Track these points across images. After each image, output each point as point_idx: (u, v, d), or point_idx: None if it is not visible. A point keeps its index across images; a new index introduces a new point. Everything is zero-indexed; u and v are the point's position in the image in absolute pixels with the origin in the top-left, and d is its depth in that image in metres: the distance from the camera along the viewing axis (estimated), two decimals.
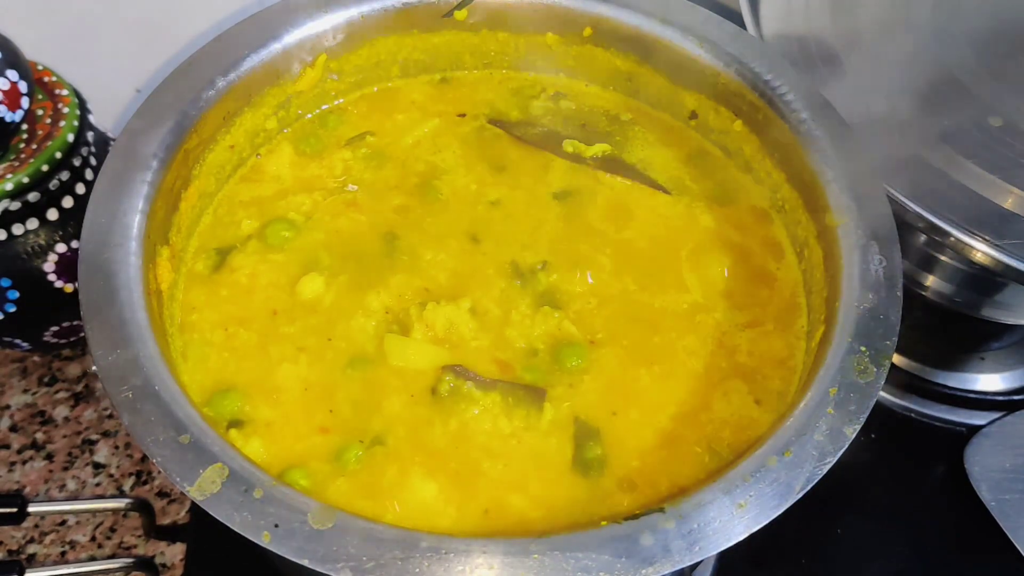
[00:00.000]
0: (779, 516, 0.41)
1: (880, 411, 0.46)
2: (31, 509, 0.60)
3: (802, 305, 0.56)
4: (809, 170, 0.56)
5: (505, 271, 0.56)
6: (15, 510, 0.59)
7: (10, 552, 0.65)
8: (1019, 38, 0.69)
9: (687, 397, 0.52)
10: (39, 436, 0.70)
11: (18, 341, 0.66)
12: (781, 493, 0.42)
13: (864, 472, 0.66)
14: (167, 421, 0.42)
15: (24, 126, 0.61)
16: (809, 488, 0.42)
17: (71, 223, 0.62)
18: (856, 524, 0.66)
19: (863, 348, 0.47)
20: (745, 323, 0.55)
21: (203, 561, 0.62)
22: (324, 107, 0.64)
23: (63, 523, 0.66)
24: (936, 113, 0.64)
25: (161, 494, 0.68)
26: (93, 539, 0.65)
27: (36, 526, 0.66)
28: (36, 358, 0.73)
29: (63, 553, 0.65)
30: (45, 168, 0.59)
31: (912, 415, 0.72)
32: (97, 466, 0.69)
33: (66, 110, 0.62)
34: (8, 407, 0.71)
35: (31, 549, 0.65)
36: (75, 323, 0.66)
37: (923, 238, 0.70)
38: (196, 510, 0.60)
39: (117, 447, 0.69)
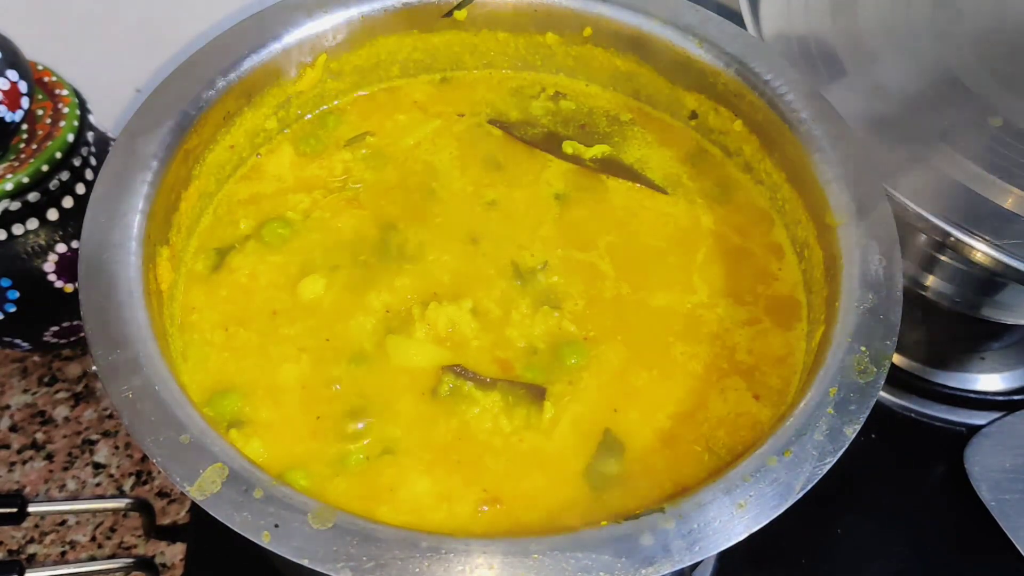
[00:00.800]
0: (779, 516, 0.41)
1: (880, 411, 0.46)
2: (31, 509, 0.60)
3: (802, 305, 0.56)
4: (809, 170, 0.56)
5: (505, 271, 0.56)
6: (15, 510, 0.59)
7: (10, 552, 0.65)
8: (1019, 38, 0.69)
9: (687, 396, 0.52)
10: (39, 436, 0.70)
11: (18, 341, 0.66)
12: (781, 493, 0.42)
13: (864, 472, 0.66)
14: (167, 421, 0.42)
15: (24, 126, 0.61)
16: (809, 488, 0.42)
17: (71, 223, 0.62)
18: (856, 524, 0.66)
19: (863, 348, 0.47)
20: (746, 324, 0.55)
21: (203, 561, 0.62)
22: (324, 107, 0.64)
23: (63, 523, 0.66)
24: (936, 113, 0.64)
25: (161, 494, 0.68)
26: (93, 539, 0.65)
27: (36, 526, 0.66)
28: (36, 358, 0.73)
29: (63, 553, 0.65)
30: (45, 168, 0.59)
31: (912, 415, 0.72)
32: (97, 466, 0.69)
33: (66, 110, 0.62)
34: (8, 407, 0.71)
35: (31, 549, 0.65)
36: (75, 323, 0.66)
37: (923, 238, 0.70)
38: (196, 510, 0.60)
39: (117, 447, 0.69)
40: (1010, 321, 0.72)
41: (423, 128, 0.64)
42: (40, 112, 0.62)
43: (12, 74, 0.57)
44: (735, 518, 0.41)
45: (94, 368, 0.71)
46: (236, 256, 0.56)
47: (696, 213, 0.60)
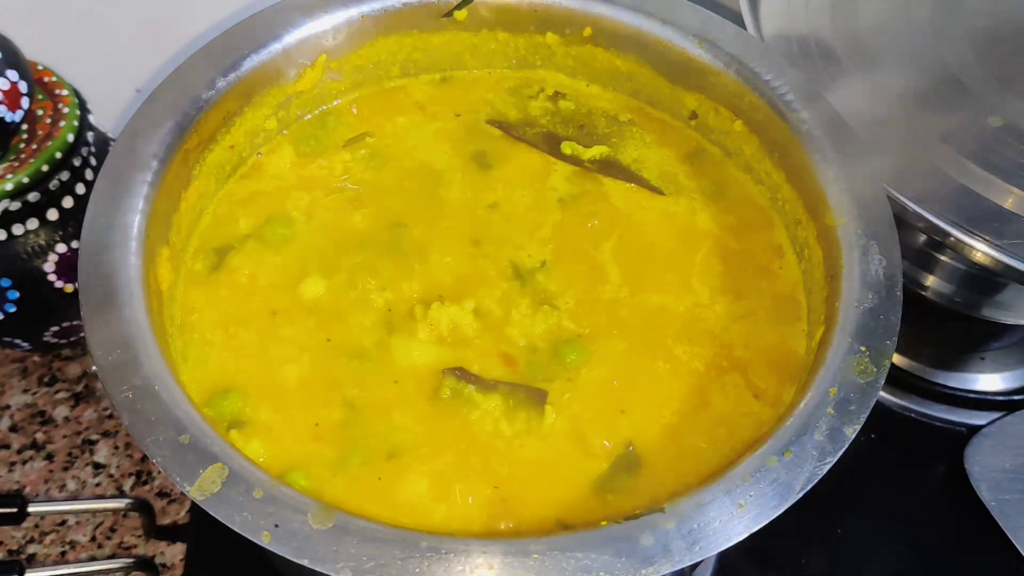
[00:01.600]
0: (779, 516, 0.41)
1: (880, 411, 0.46)
2: (31, 509, 0.60)
3: (802, 305, 0.56)
4: (809, 170, 0.56)
5: (505, 272, 0.56)
6: (15, 510, 0.59)
7: (10, 552, 0.65)
8: (1019, 38, 0.69)
9: (687, 396, 0.52)
10: (39, 436, 0.70)
11: (18, 341, 0.66)
12: (781, 493, 0.42)
13: (864, 472, 0.66)
14: (167, 421, 0.42)
15: (24, 126, 0.61)
16: (809, 488, 0.42)
17: (71, 223, 0.62)
18: (856, 524, 0.66)
19: (863, 348, 0.47)
20: (745, 324, 0.55)
21: (203, 561, 0.62)
22: (324, 107, 0.64)
23: (63, 523, 0.66)
24: (936, 113, 0.64)
25: (161, 494, 0.68)
26: (93, 539, 0.65)
27: (36, 526, 0.66)
28: (36, 358, 0.73)
29: (63, 553, 0.65)
30: (45, 168, 0.59)
31: (912, 415, 0.72)
32: (97, 466, 0.69)
33: (66, 110, 0.62)
34: (8, 407, 0.71)
35: (31, 549, 0.65)
36: (75, 323, 0.66)
37: (923, 238, 0.70)
38: (196, 510, 0.60)
39: (117, 447, 0.69)
40: (1010, 321, 0.72)
41: (423, 128, 0.64)
42: (40, 112, 0.62)
43: (12, 74, 0.57)
44: (735, 518, 0.41)
45: (94, 368, 0.71)
46: (236, 256, 0.56)
47: (696, 213, 0.60)
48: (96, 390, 0.72)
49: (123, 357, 0.44)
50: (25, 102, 0.58)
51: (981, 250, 0.56)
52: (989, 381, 0.74)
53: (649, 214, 0.60)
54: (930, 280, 0.72)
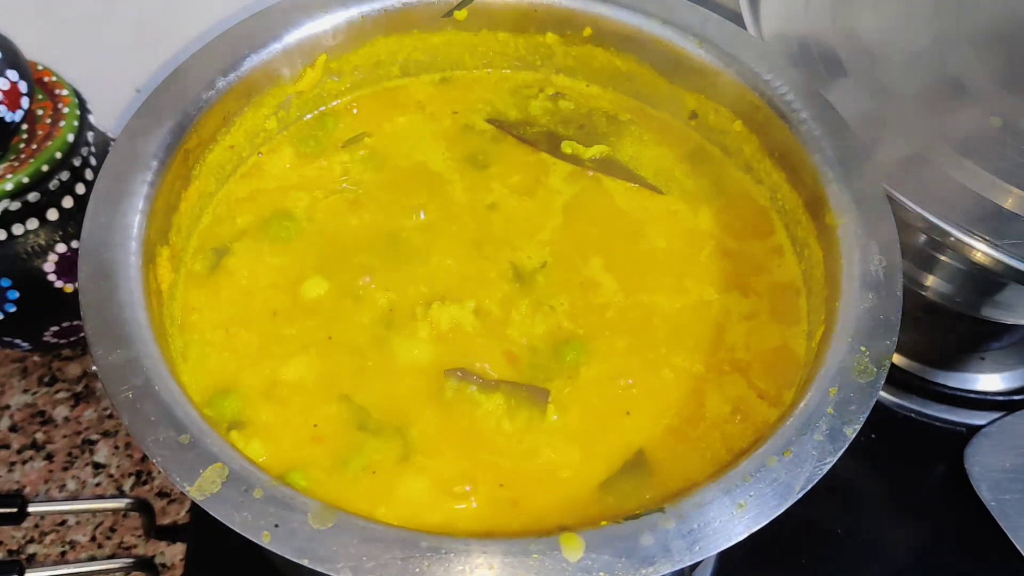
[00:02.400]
0: (779, 516, 0.41)
1: (880, 411, 0.46)
2: (31, 509, 0.60)
3: (802, 305, 0.56)
4: (809, 170, 0.56)
5: (505, 272, 0.56)
6: (15, 510, 0.59)
7: (10, 552, 0.65)
8: (1019, 38, 0.69)
9: (687, 395, 0.52)
10: (39, 436, 0.70)
11: (18, 341, 0.66)
12: (781, 493, 0.42)
13: (864, 472, 0.66)
14: (167, 421, 0.42)
15: (24, 126, 0.61)
16: (809, 488, 0.42)
17: (71, 223, 0.62)
18: (856, 524, 0.66)
19: (863, 348, 0.47)
20: (746, 324, 0.55)
21: (203, 561, 0.62)
22: (324, 108, 0.64)
23: (63, 523, 0.66)
24: (936, 113, 0.64)
25: (161, 494, 0.68)
26: (93, 539, 0.65)
27: (36, 526, 0.66)
28: (36, 358, 0.73)
29: (63, 553, 0.65)
30: (45, 168, 0.59)
31: (912, 415, 0.72)
32: (97, 466, 0.69)
33: (66, 110, 0.62)
34: (8, 407, 0.71)
35: (31, 549, 0.65)
36: (75, 323, 0.66)
37: (923, 238, 0.70)
38: (196, 510, 0.60)
39: (117, 447, 0.69)
40: (1010, 321, 0.72)
41: (422, 129, 0.64)
42: (40, 112, 0.62)
43: (12, 74, 0.57)
44: (735, 518, 0.41)
45: (94, 368, 0.71)
46: (236, 256, 0.56)
47: (695, 213, 0.60)
48: (96, 390, 0.72)
49: (123, 357, 0.44)
50: (25, 102, 0.58)
51: (981, 250, 0.56)
52: (989, 381, 0.74)
53: (649, 214, 0.60)
54: (930, 280, 0.72)
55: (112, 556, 0.64)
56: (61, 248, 0.62)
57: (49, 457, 0.69)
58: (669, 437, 0.50)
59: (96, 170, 0.61)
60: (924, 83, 0.66)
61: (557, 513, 0.47)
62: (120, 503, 0.64)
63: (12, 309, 0.62)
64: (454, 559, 0.39)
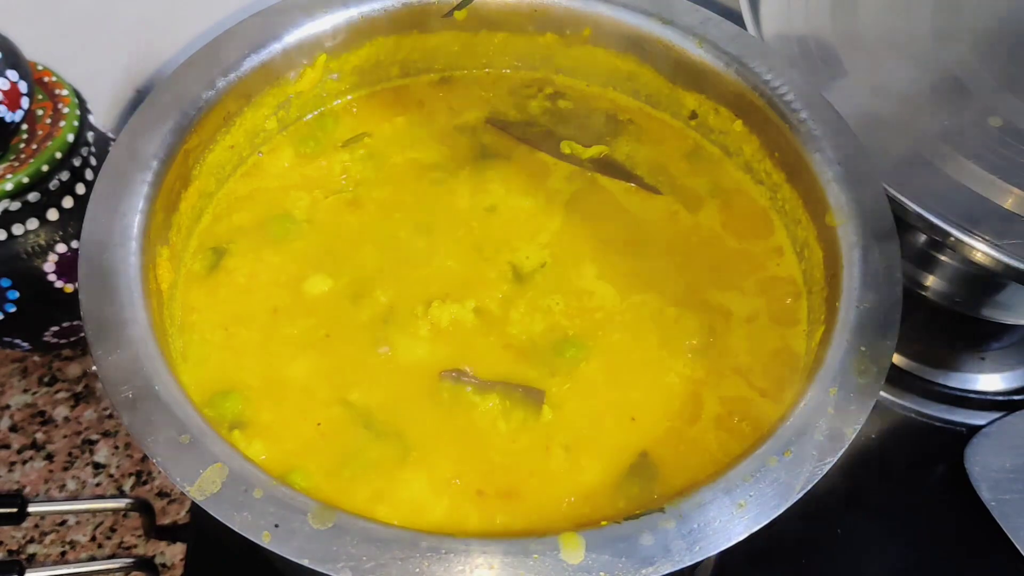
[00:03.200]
0: (779, 516, 0.41)
1: (880, 411, 0.46)
2: (31, 509, 0.60)
3: (802, 305, 0.56)
4: (809, 170, 0.56)
5: (505, 272, 0.56)
6: (15, 510, 0.59)
7: (10, 552, 0.65)
8: (1019, 38, 0.69)
9: (686, 395, 0.52)
10: (39, 436, 0.70)
11: (18, 341, 0.66)
12: (781, 493, 0.42)
13: (864, 472, 0.66)
14: (167, 421, 0.42)
15: (24, 126, 0.61)
16: (809, 488, 0.42)
17: (71, 223, 0.62)
18: (856, 524, 0.66)
19: (863, 348, 0.47)
20: (746, 323, 0.55)
21: (203, 561, 0.62)
22: (324, 108, 0.64)
23: (63, 523, 0.66)
24: (936, 113, 0.64)
25: (161, 494, 0.68)
26: (93, 539, 0.65)
27: (36, 526, 0.66)
28: (36, 358, 0.73)
29: (63, 553, 0.65)
30: (45, 168, 0.59)
31: (912, 415, 0.72)
32: (97, 466, 0.69)
33: (66, 110, 0.61)
34: (8, 407, 0.71)
35: (31, 549, 0.65)
36: (75, 323, 0.66)
37: (923, 238, 0.70)
38: (196, 510, 0.60)
39: (117, 447, 0.69)
40: (1010, 321, 0.72)
41: (422, 129, 0.64)
42: (40, 112, 0.62)
43: (12, 74, 0.57)
44: (735, 518, 0.41)
45: (94, 368, 0.71)
46: (236, 256, 0.56)
47: (695, 213, 0.60)
48: (96, 390, 0.72)
49: (123, 357, 0.44)
50: (25, 102, 0.58)
51: (981, 250, 0.56)
52: (989, 381, 0.74)
53: (648, 214, 0.60)
54: (930, 280, 0.72)
55: (112, 556, 0.64)
56: (61, 248, 0.62)
57: (49, 457, 0.69)
58: (668, 437, 0.50)
59: (96, 170, 0.61)
60: (924, 83, 0.66)
61: (555, 512, 0.47)
62: (120, 503, 0.64)
63: (12, 309, 0.62)
64: (454, 559, 0.39)
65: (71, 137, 0.61)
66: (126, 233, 0.49)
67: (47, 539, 0.65)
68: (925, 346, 0.74)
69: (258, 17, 0.60)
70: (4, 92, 0.57)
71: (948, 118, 0.63)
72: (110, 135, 0.68)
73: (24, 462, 0.68)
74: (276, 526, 0.39)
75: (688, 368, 0.53)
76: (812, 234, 0.55)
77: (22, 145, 0.60)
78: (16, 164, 0.59)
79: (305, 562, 0.38)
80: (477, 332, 0.53)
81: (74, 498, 0.67)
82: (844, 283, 0.50)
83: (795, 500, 0.42)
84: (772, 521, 0.41)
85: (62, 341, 0.68)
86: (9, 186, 0.58)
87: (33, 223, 0.61)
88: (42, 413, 0.71)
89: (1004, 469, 0.66)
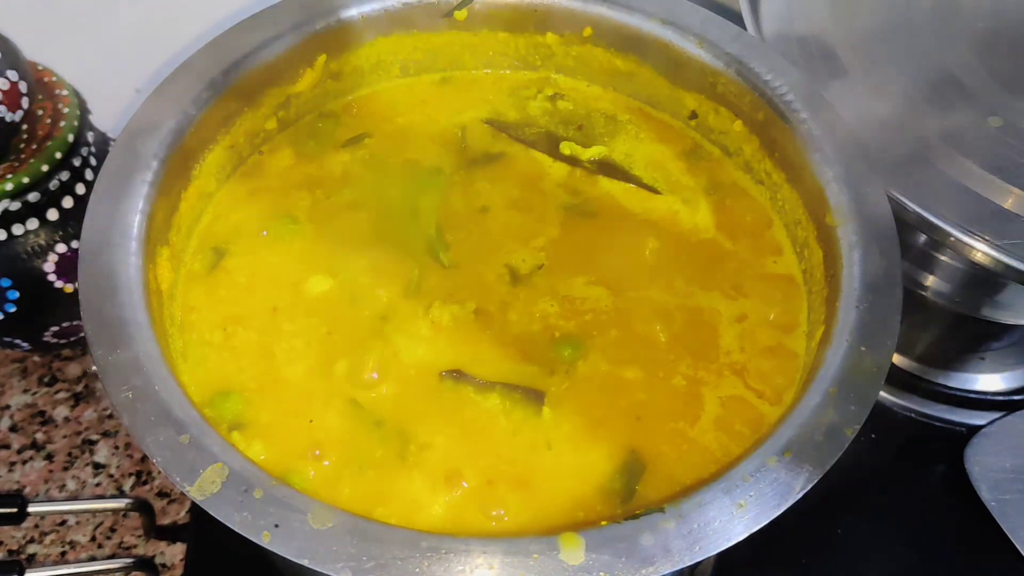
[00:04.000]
0: (779, 516, 0.41)
1: (880, 411, 0.46)
2: (31, 509, 0.60)
3: (802, 305, 0.56)
4: (809, 170, 0.56)
5: (503, 272, 0.56)
6: (15, 510, 0.59)
7: (10, 552, 0.65)
8: (1019, 38, 0.69)
9: (686, 395, 0.52)
10: (39, 436, 0.70)
11: (18, 341, 0.66)
12: (781, 493, 0.42)
13: (864, 472, 0.66)
14: (167, 421, 0.42)
15: (24, 126, 0.61)
16: (809, 488, 0.42)
17: (71, 223, 0.62)
18: (856, 524, 0.66)
19: (863, 348, 0.47)
20: (746, 323, 0.55)
21: (203, 561, 0.62)
22: (324, 108, 0.64)
23: (63, 523, 0.66)
24: (936, 113, 0.64)
25: (161, 494, 0.68)
26: (93, 539, 0.65)
27: (36, 526, 0.66)
28: (36, 358, 0.73)
29: (63, 553, 0.65)
30: (45, 168, 0.59)
31: (912, 415, 0.72)
32: (97, 466, 0.69)
33: (66, 110, 0.62)
34: (8, 407, 0.71)
35: (31, 549, 0.65)
36: (75, 323, 0.66)
37: (923, 238, 0.70)
38: (196, 510, 0.60)
39: (117, 447, 0.69)
40: (1010, 321, 0.72)
41: (422, 129, 0.64)
42: (40, 112, 0.62)
43: (12, 74, 0.57)
44: (735, 518, 0.41)
45: (94, 368, 0.71)
46: (235, 256, 0.56)
47: (695, 213, 0.60)
48: (96, 390, 0.72)
49: (123, 357, 0.44)
50: (25, 102, 0.58)
51: (981, 250, 0.56)
52: (989, 381, 0.74)
53: (648, 214, 0.60)
54: (930, 280, 0.72)
55: (112, 556, 0.64)
56: (61, 248, 0.62)
57: (49, 457, 0.69)
58: (667, 437, 0.50)
59: (96, 170, 0.61)
60: (924, 83, 0.66)
61: (554, 512, 0.47)
62: (120, 503, 0.64)
63: (12, 309, 0.62)
64: (454, 559, 0.39)
65: (71, 137, 0.61)
66: (126, 233, 0.49)
67: (47, 539, 0.65)
68: (925, 346, 0.74)
69: (258, 17, 0.60)
70: (4, 92, 0.57)
71: (948, 118, 0.63)
72: (110, 135, 0.68)
73: (24, 462, 0.68)
74: (276, 526, 0.39)
75: (687, 368, 0.53)
76: (812, 234, 0.55)
77: (22, 145, 0.60)
78: (16, 164, 0.59)
79: (305, 562, 0.38)
80: (478, 331, 0.53)
81: (74, 498, 0.67)
82: (844, 283, 0.50)
83: (795, 500, 0.42)
84: (772, 521, 0.41)
85: (62, 341, 0.68)
86: (9, 186, 0.58)
87: (33, 223, 0.61)
88: (42, 413, 0.71)
89: (1004, 469, 0.66)
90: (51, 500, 0.67)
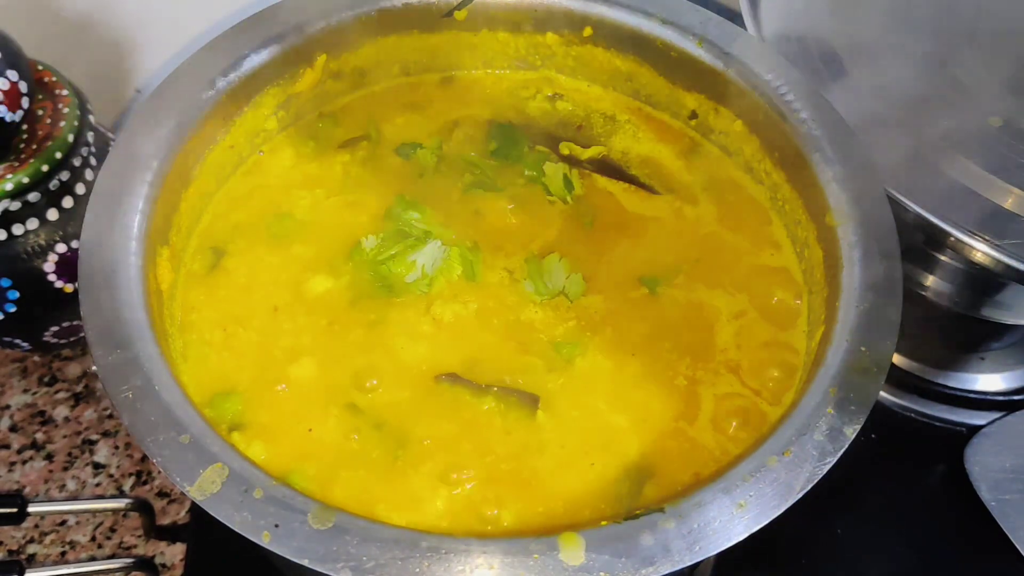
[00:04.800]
0: (779, 516, 0.41)
1: (880, 411, 0.46)
2: (31, 509, 0.60)
3: (802, 305, 0.56)
4: (809, 170, 0.56)
5: (504, 272, 0.56)
6: (15, 510, 0.59)
7: (10, 552, 0.65)
8: (1019, 38, 0.69)
9: (685, 395, 0.52)
10: (39, 436, 0.70)
11: (18, 341, 0.66)
12: (781, 493, 0.42)
13: (864, 472, 0.66)
14: (167, 421, 0.42)
15: (24, 126, 0.61)
16: (809, 488, 0.42)
17: (71, 223, 0.62)
18: (856, 524, 0.66)
19: (863, 348, 0.47)
20: (746, 323, 0.55)
21: (203, 561, 0.62)
22: (324, 108, 0.64)
23: (63, 523, 0.66)
24: (936, 113, 0.64)
25: (161, 494, 0.68)
26: (93, 539, 0.65)
27: (36, 526, 0.66)
28: (36, 358, 0.73)
29: (63, 553, 0.65)
30: (45, 168, 0.59)
31: (912, 415, 0.72)
32: (97, 466, 0.69)
33: (66, 110, 0.61)
34: (8, 407, 0.71)
35: (31, 549, 0.65)
36: (75, 323, 0.66)
37: (923, 238, 0.70)
38: (196, 510, 0.60)
39: (117, 447, 0.69)
40: (1010, 321, 0.72)
41: (421, 129, 0.64)
42: (40, 112, 0.62)
43: (12, 74, 0.57)
44: (735, 518, 0.41)
45: (94, 368, 0.71)
46: (235, 255, 0.56)
47: (695, 213, 0.60)
48: (96, 390, 0.72)
49: (123, 357, 0.44)
50: (25, 102, 0.58)
51: (981, 250, 0.56)
52: (989, 381, 0.74)
53: (647, 214, 0.60)
54: (930, 280, 0.72)
55: (112, 556, 0.64)
56: (61, 248, 0.62)
57: (49, 457, 0.69)
58: (667, 437, 0.50)
59: (96, 170, 0.61)
60: (924, 83, 0.66)
61: (553, 511, 0.47)
62: (120, 503, 0.64)
63: (12, 309, 0.62)
64: (454, 559, 0.39)
65: (71, 137, 0.61)
66: (126, 233, 0.49)
67: (47, 539, 0.65)
68: (925, 346, 0.74)
69: (258, 17, 0.60)
70: (4, 92, 0.57)
71: (948, 118, 0.63)
72: (110, 135, 0.68)
73: (24, 462, 0.68)
74: (276, 526, 0.39)
75: (686, 367, 0.53)
76: (812, 234, 0.55)
77: (22, 145, 0.60)
78: (16, 164, 0.59)
79: (305, 562, 0.38)
80: (478, 331, 0.53)
81: (74, 498, 0.67)
82: (844, 283, 0.50)
83: (795, 500, 0.42)
84: (772, 521, 0.41)
85: (62, 341, 0.68)
86: (9, 186, 0.58)
87: (33, 223, 0.61)
88: (42, 413, 0.71)
89: (1004, 469, 0.66)
90: (51, 500, 0.67)
